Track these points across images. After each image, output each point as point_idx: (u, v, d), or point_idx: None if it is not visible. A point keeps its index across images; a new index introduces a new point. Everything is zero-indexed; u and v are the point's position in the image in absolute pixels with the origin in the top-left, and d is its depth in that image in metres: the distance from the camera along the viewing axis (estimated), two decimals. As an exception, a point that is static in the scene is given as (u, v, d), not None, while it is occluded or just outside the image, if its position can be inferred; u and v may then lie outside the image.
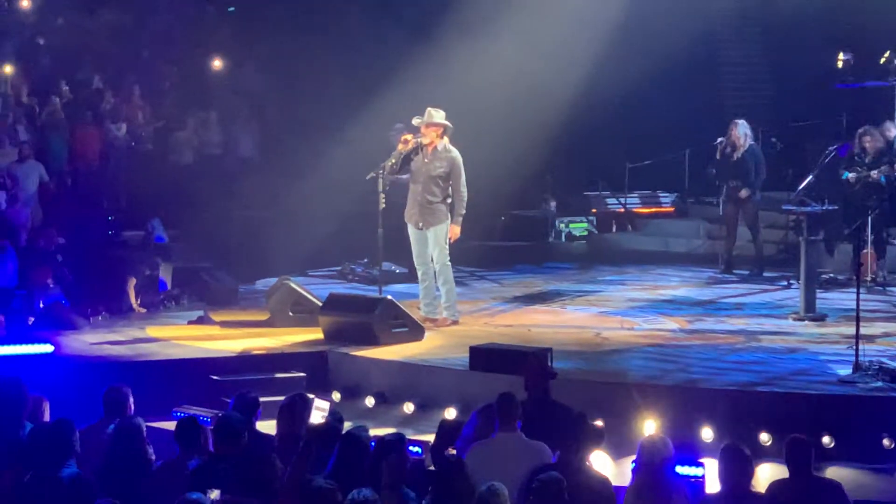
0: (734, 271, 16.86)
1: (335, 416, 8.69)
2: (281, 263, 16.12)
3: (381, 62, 18.48)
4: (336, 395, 11.88)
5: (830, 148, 16.12)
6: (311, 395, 9.18)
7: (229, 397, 9.75)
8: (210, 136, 21.78)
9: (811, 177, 15.44)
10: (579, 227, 20.80)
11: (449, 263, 13.54)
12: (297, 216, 17.23)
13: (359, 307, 12.97)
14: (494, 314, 14.54)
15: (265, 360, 12.43)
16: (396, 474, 7.47)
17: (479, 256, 17.99)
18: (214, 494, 7.12)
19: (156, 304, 15.14)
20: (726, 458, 7.79)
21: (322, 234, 17.02)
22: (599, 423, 9.02)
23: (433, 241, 13.45)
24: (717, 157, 16.81)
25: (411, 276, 14.52)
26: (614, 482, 8.16)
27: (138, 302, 14.97)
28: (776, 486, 7.99)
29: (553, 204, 21.21)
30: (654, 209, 21.19)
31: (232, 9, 24.32)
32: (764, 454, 9.76)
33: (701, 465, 8.60)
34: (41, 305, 14.38)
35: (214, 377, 11.91)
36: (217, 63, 23.34)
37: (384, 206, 13.31)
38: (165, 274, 15.92)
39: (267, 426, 9.14)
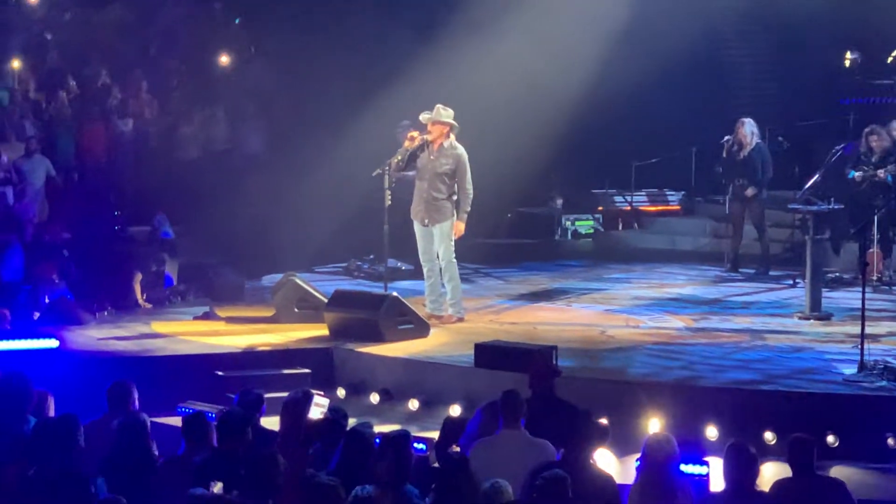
0: (740, 270, 16.84)
1: (339, 413, 8.69)
2: (287, 260, 16.12)
3: (387, 60, 18.46)
4: (341, 392, 11.91)
5: (837, 147, 16.10)
6: (311, 391, 9.18)
7: (234, 393, 9.75)
8: (217, 132, 21.78)
9: (817, 176, 15.43)
10: (585, 224, 20.82)
11: (455, 260, 13.54)
12: (303, 212, 17.22)
13: (364, 304, 12.98)
14: (500, 311, 14.54)
15: (270, 357, 12.45)
16: (400, 471, 7.47)
17: (485, 253, 18.00)
18: (217, 488, 7.12)
19: (161, 300, 15.15)
20: (731, 456, 7.78)
21: (328, 231, 17.02)
22: (604, 420, 9.02)
23: (439, 238, 13.46)
24: (724, 155, 16.78)
25: (417, 273, 14.53)
26: (618, 480, 8.15)
27: (144, 297, 14.99)
28: (780, 485, 7.99)
29: (559, 201, 21.20)
30: (660, 207, 21.16)
31: (238, 20, 24.40)
32: (768, 453, 9.76)
33: (705, 463, 8.60)
34: (47, 300, 14.39)
35: (219, 373, 11.93)
36: (224, 59, 23.35)
37: (390, 202, 13.32)
38: (171, 269, 15.94)
39: (272, 422, 9.14)
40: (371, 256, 16.67)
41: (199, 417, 8.57)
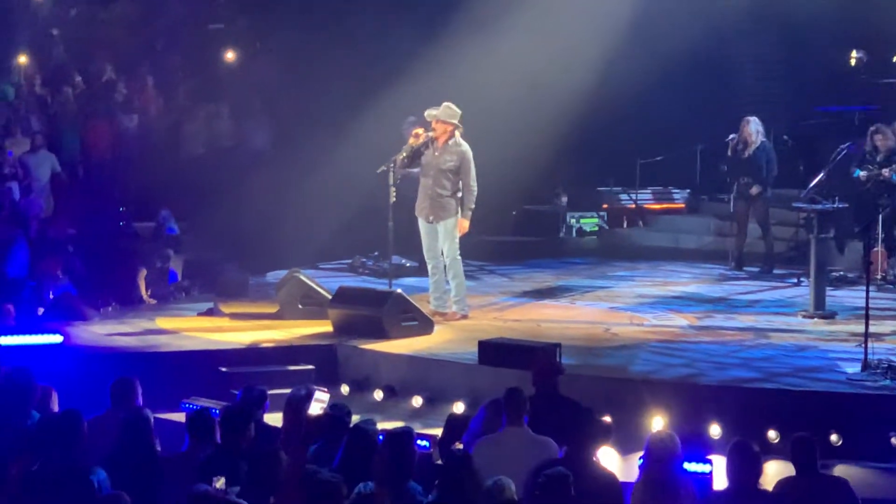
0: (744, 268, 16.84)
1: (343, 410, 8.69)
2: (291, 256, 16.11)
3: (390, 59, 18.46)
4: (345, 389, 11.92)
5: (842, 146, 16.08)
6: (314, 387, 9.18)
7: (238, 389, 9.76)
8: (222, 128, 21.77)
9: (822, 174, 15.39)
10: (590, 222, 20.81)
11: (459, 257, 13.55)
12: (307, 209, 17.23)
13: (369, 300, 12.99)
14: (504, 309, 14.54)
15: (274, 353, 12.46)
16: (403, 468, 7.47)
17: (490, 251, 18.00)
18: (220, 483, 7.12)
19: (166, 296, 15.18)
20: (735, 454, 7.77)
21: (333, 228, 17.03)
22: (607, 418, 9.03)
23: (443, 235, 13.46)
24: (729, 153, 16.77)
25: (421, 270, 14.53)
26: (622, 478, 8.14)
27: (148, 293, 15.00)
28: (783, 484, 7.99)
29: (564, 199, 21.19)
30: (665, 205, 21.18)
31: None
32: (772, 451, 9.76)
33: (709, 461, 8.59)
34: (51, 296, 14.41)
35: (223, 369, 11.94)
36: (230, 55, 23.35)
37: (395, 199, 13.33)
38: (176, 265, 15.96)
39: (276, 419, 9.14)
40: (376, 253, 16.67)
41: (202, 414, 8.58)
